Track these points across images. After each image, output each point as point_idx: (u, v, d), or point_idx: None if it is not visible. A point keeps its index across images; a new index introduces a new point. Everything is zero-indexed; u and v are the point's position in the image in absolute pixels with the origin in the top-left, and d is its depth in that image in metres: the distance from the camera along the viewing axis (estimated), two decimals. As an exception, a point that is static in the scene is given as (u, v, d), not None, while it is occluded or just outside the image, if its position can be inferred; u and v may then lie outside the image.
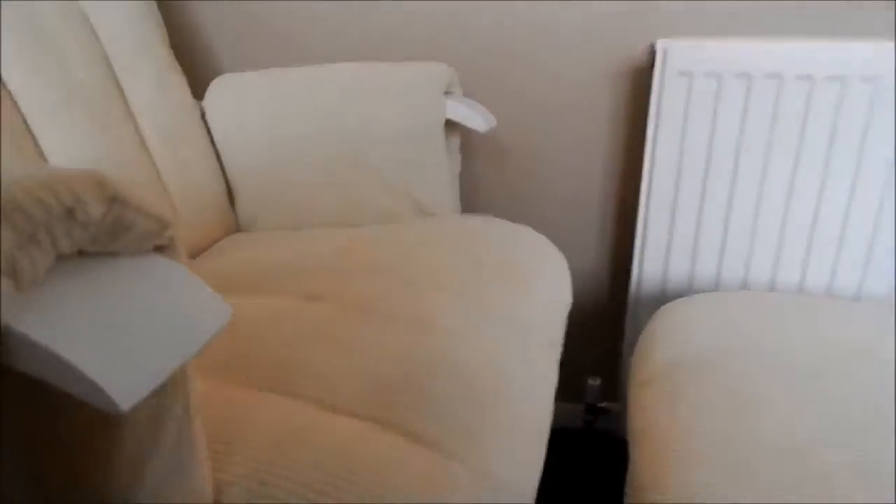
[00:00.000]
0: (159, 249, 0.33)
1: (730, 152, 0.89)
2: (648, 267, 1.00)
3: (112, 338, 0.29)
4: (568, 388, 1.03)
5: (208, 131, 0.91)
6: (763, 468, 0.50)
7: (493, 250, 0.75)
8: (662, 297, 1.01)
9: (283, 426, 0.45)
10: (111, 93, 0.81)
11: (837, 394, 0.58)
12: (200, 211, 0.88)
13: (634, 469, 0.55)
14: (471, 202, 1.02)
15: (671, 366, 0.64)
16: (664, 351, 0.67)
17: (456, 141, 0.91)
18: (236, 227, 0.95)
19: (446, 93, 0.86)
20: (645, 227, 0.97)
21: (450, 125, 0.87)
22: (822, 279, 0.94)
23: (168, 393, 0.35)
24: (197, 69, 0.99)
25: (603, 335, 1.15)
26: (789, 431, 0.53)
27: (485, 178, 1.04)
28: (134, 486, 0.36)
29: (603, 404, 1.17)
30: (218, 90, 0.92)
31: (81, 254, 0.29)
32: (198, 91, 0.92)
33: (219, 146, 0.92)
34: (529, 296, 0.70)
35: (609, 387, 1.18)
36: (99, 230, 0.29)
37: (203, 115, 0.91)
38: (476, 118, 0.84)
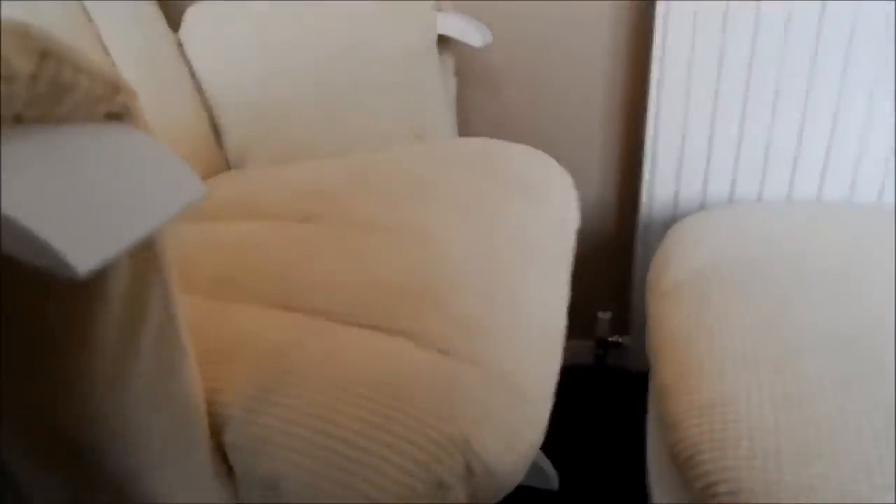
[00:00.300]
0: (115, 118, 0.29)
1: (742, 66, 0.84)
2: (659, 190, 0.95)
3: (68, 203, 0.25)
4: (578, 324, 1.00)
5: (187, 64, 0.86)
6: (790, 367, 0.47)
7: (496, 168, 0.71)
8: (673, 222, 0.97)
9: (281, 337, 0.42)
10: (80, 24, 0.76)
11: (862, 295, 0.54)
12: (184, 149, 0.84)
13: (658, 377, 0.52)
14: (466, 129, 0.97)
15: (692, 273, 0.60)
16: (684, 260, 0.63)
17: (450, 61, 0.86)
18: (225, 165, 0.91)
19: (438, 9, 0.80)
20: (654, 149, 0.92)
21: (443, 44, 0.82)
22: (839, 195, 0.90)
23: (143, 287, 0.31)
24: None
25: (612, 267, 1.11)
26: (815, 332, 0.50)
27: (480, 104, 0.99)
28: (118, 392, 0.33)
29: (614, 338, 1.14)
30: (195, 20, 0.86)
31: (21, 119, 0.26)
32: (172, 23, 0.87)
33: (200, 80, 0.86)
34: (537, 210, 0.66)
35: (620, 320, 1.15)
36: (34, 90, 0.25)
37: (180, 47, 0.86)
38: (471, 32, 0.79)
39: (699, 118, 0.88)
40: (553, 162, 0.79)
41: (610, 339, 1.13)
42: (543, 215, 0.67)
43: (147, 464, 0.36)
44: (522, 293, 0.51)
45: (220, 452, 0.37)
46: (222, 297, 0.48)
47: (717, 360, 0.48)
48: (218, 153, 0.89)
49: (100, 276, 0.30)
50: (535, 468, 1.00)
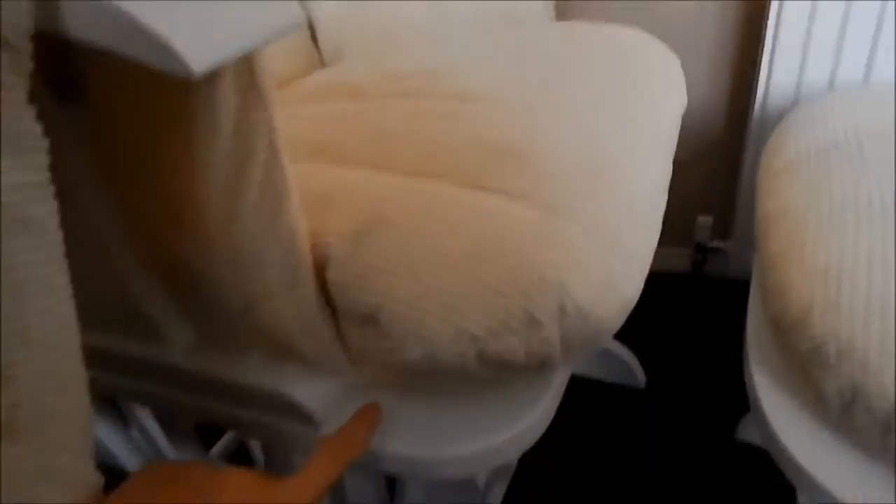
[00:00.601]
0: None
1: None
2: (777, 78, 0.87)
3: (182, 8, 0.26)
4: (676, 229, 0.96)
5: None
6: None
7: (601, 47, 0.67)
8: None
9: (378, 191, 0.43)
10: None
11: None
12: (279, 46, 0.85)
13: (766, 248, 0.49)
14: (561, 12, 0.92)
15: (813, 150, 0.56)
16: (804, 138, 0.58)
17: (548, -60, 0.81)
18: (321, 64, 0.92)
19: None
20: (776, 31, 0.84)
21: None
22: None
23: (249, 123, 0.33)
24: None
25: (715, 169, 1.05)
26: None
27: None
28: (231, 224, 0.35)
29: (714, 244, 1.09)
30: None
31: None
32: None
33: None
34: (643, 89, 0.62)
35: (720, 226, 1.09)
36: None
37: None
38: None
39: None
40: (660, 44, 0.74)
41: (710, 244, 1.09)
42: (650, 95, 0.63)
43: (260, 295, 0.38)
44: (625, 165, 0.50)
45: (323, 289, 0.39)
46: (319, 161, 0.49)
47: (835, 229, 0.45)
48: (312, 49, 0.90)
49: (210, 107, 0.31)
50: (623, 366, 1.00)
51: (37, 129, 0.26)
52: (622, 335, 1.02)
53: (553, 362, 0.39)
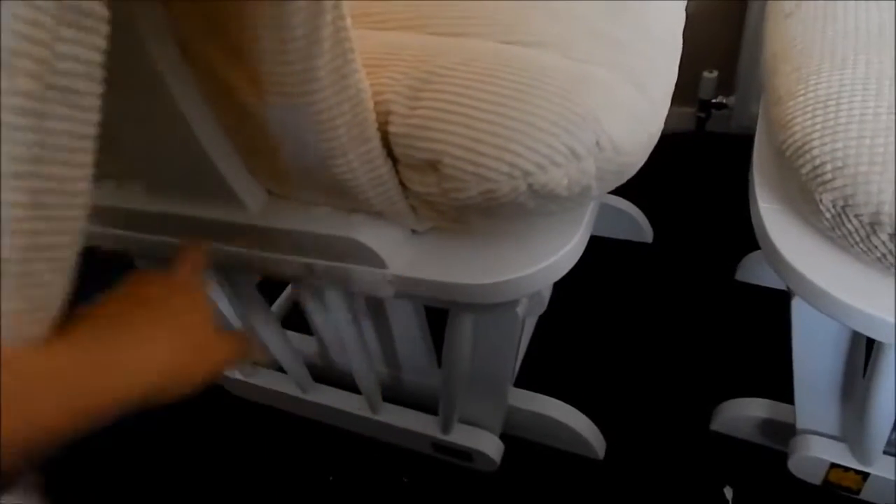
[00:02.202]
0: None
1: None
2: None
3: None
4: (679, 87, 0.99)
5: None
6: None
7: None
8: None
9: (426, 51, 0.47)
10: None
11: None
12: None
13: (772, 87, 0.54)
14: None
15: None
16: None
17: None
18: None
19: None
20: None
21: None
22: None
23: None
24: None
25: (721, 22, 1.06)
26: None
27: None
28: (309, 83, 0.40)
29: (718, 99, 1.12)
30: None
31: None
32: None
33: None
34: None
35: (724, 82, 1.12)
36: None
37: None
38: None
39: None
40: None
41: (714, 100, 1.12)
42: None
43: (337, 150, 0.44)
44: (646, 11, 0.53)
45: (385, 143, 0.45)
46: (364, 27, 0.53)
47: (836, 60, 0.49)
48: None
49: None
50: (631, 222, 1.08)
51: (102, 11, 0.28)
52: (630, 193, 1.08)
53: (590, 193, 0.45)
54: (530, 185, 0.42)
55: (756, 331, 0.94)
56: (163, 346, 0.36)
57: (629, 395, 0.91)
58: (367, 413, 0.86)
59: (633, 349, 0.96)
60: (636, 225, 1.09)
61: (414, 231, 0.54)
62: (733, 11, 1.03)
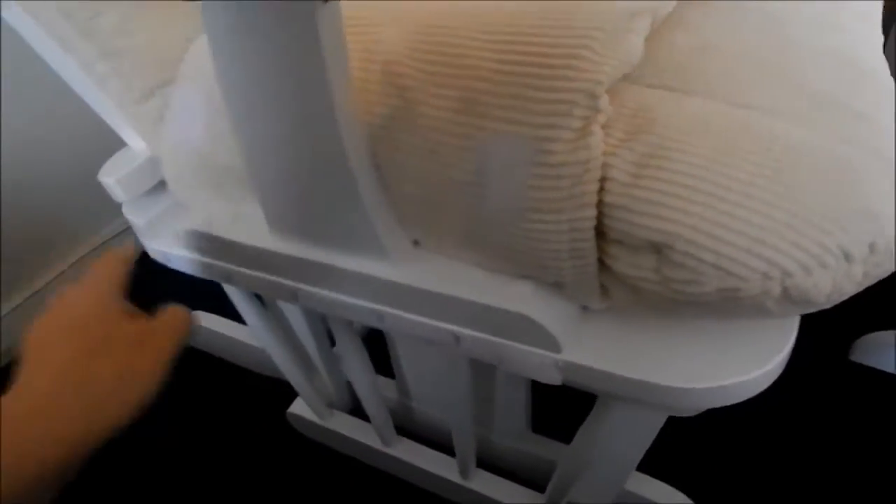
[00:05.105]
0: None
1: None
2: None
3: None
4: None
5: None
6: None
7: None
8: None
9: (641, 104, 0.39)
10: None
11: None
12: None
13: None
14: None
15: None
16: None
17: None
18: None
19: None
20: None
21: None
22: None
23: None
24: None
25: None
26: None
27: None
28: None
29: None
30: None
31: None
32: None
33: None
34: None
35: None
36: None
37: None
38: None
39: None
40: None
41: None
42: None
43: (549, 206, 0.37)
44: (880, 75, 0.45)
45: (599, 213, 0.37)
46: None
47: None
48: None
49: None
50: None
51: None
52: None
53: (836, 301, 0.37)
54: (786, 289, 0.34)
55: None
56: (51, 390, 0.36)
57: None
58: (456, 478, 0.78)
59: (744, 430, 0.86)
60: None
61: (584, 307, 0.46)
62: None
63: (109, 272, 0.43)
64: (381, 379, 0.85)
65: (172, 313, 0.44)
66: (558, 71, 0.35)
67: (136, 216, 0.61)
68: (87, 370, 0.37)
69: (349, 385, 0.92)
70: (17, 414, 0.34)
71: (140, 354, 0.39)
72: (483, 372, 0.67)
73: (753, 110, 0.40)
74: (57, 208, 1.22)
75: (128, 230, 1.36)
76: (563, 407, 0.69)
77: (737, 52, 0.44)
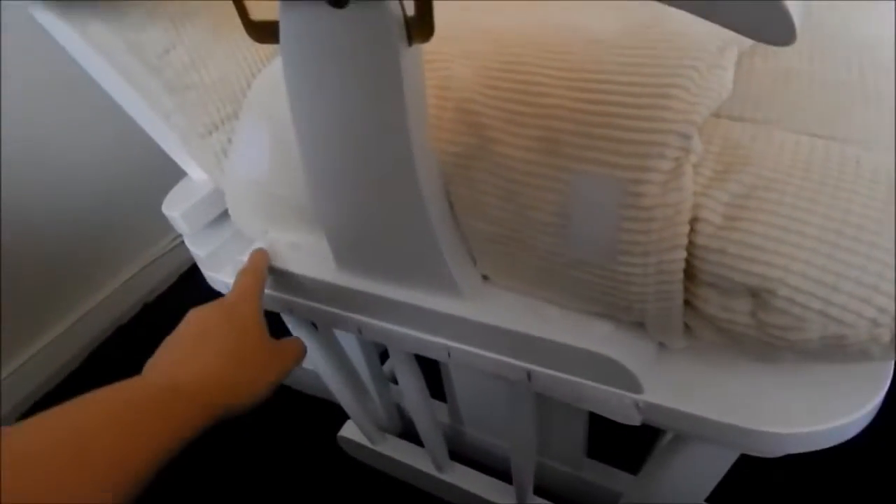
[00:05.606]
0: None
1: None
2: None
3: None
4: None
5: None
6: None
7: None
8: None
9: (727, 140, 0.38)
10: None
11: None
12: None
13: None
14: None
15: None
16: None
17: None
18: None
19: None
20: None
21: None
22: None
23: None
24: None
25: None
26: None
27: None
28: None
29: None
30: None
31: None
32: None
33: None
34: None
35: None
36: None
37: None
38: None
39: None
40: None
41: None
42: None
43: (639, 248, 0.36)
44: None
45: (688, 255, 0.36)
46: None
47: None
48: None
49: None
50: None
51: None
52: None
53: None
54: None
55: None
56: (213, 368, 0.43)
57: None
58: (512, 505, 0.77)
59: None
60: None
61: (661, 343, 0.44)
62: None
63: (258, 283, 0.51)
64: (433, 402, 0.84)
65: (295, 343, 0.51)
66: (649, 111, 0.34)
67: (198, 248, 0.61)
68: (242, 361, 0.45)
69: (399, 408, 0.92)
70: (190, 372, 0.42)
71: (267, 368, 0.47)
72: (545, 401, 0.66)
73: (850, 143, 0.38)
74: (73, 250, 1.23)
75: (134, 277, 1.38)
76: (617, 431, 0.67)
77: (822, 78, 0.42)
